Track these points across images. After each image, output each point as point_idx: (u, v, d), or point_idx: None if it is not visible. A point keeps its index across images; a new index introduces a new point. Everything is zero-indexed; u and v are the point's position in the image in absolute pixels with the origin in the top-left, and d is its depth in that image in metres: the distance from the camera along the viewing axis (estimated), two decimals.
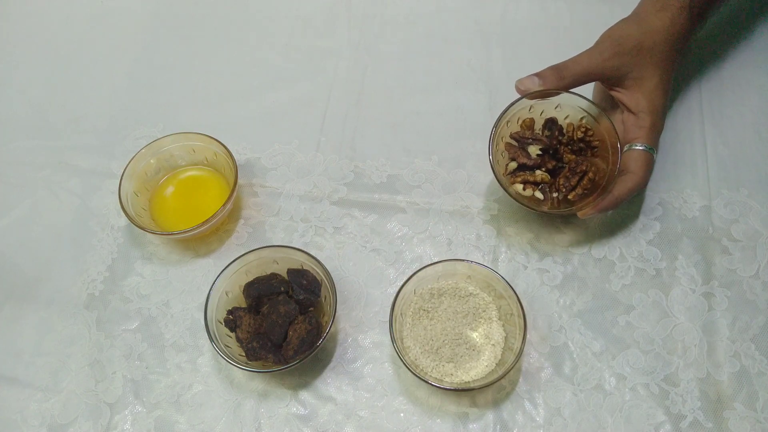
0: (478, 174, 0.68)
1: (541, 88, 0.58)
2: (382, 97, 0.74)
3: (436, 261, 0.58)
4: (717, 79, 0.71)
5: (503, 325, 0.58)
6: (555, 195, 0.60)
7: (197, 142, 0.67)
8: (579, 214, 0.58)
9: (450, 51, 0.76)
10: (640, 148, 0.58)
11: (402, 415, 0.57)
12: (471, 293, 0.60)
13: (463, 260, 0.59)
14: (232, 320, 0.58)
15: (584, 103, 0.60)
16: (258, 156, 0.71)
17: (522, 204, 0.59)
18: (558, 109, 0.61)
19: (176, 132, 0.66)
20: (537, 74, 0.58)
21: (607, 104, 0.62)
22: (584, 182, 0.59)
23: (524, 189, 0.59)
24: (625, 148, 0.58)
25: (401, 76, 0.75)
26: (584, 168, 0.59)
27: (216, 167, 0.68)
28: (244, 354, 0.57)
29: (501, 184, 0.58)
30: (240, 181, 0.66)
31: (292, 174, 0.70)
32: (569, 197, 0.59)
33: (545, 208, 0.59)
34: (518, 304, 0.55)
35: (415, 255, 0.64)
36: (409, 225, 0.66)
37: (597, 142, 0.60)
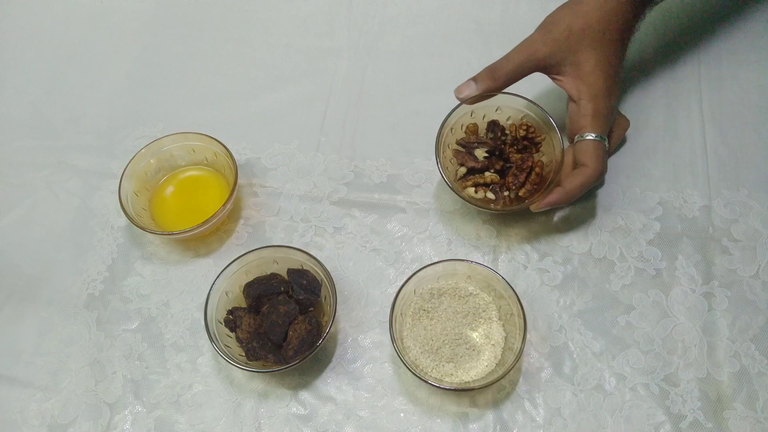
0: None
1: (478, 92, 0.58)
2: (382, 97, 0.74)
3: (436, 261, 0.58)
4: (717, 79, 0.71)
5: (503, 325, 0.58)
6: (506, 194, 0.61)
7: (197, 142, 0.67)
8: (531, 208, 0.59)
9: (450, 51, 0.76)
10: (589, 137, 0.57)
11: (402, 415, 0.57)
12: (471, 293, 0.60)
13: (463, 260, 0.59)
14: (232, 320, 0.58)
15: (522, 102, 0.61)
16: (258, 156, 0.71)
17: (476, 206, 0.60)
18: (499, 111, 0.63)
19: (176, 132, 0.66)
20: (473, 78, 0.58)
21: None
22: (532, 177, 0.60)
23: (476, 191, 0.60)
24: (575, 140, 0.58)
25: (401, 76, 0.75)
26: (530, 164, 0.60)
27: (216, 167, 0.68)
28: (244, 354, 0.57)
29: (453, 190, 0.59)
30: (240, 181, 0.66)
31: (292, 174, 0.70)
32: (520, 194, 0.60)
33: (499, 207, 0.60)
34: (518, 304, 0.55)
35: (415, 255, 0.64)
36: (409, 225, 0.66)
37: (540, 138, 0.61)
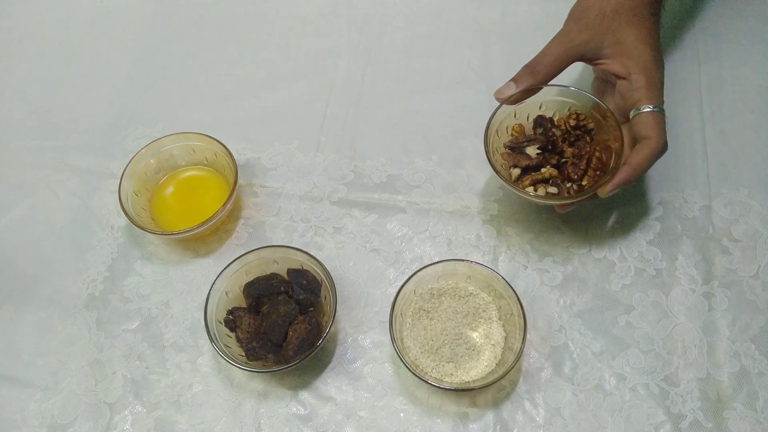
0: (477, 174, 0.68)
1: (520, 89, 0.57)
2: (382, 97, 0.74)
3: (436, 261, 0.58)
4: (717, 79, 0.71)
5: (503, 325, 0.58)
6: (569, 185, 0.58)
7: (197, 142, 0.67)
8: (599, 192, 0.56)
9: (450, 51, 0.76)
10: (646, 109, 0.55)
11: (402, 415, 0.57)
12: (471, 293, 0.60)
13: (463, 260, 0.59)
14: (232, 320, 0.58)
15: (564, 92, 0.59)
16: (258, 156, 0.71)
17: (542, 203, 0.58)
18: (543, 108, 0.61)
19: (176, 132, 0.66)
20: (512, 79, 0.57)
21: (607, 77, 0.60)
22: (593, 164, 0.57)
23: (536, 189, 0.58)
24: (632, 114, 0.56)
25: (401, 76, 0.75)
26: (588, 150, 0.58)
27: (216, 167, 0.68)
28: (244, 354, 0.57)
29: (516, 191, 0.57)
30: (240, 181, 0.66)
31: (292, 174, 0.70)
32: (583, 183, 0.57)
33: (566, 196, 0.57)
34: (518, 304, 0.55)
35: (415, 255, 0.64)
36: (409, 225, 0.66)
37: (592, 124, 0.59)
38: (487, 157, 0.58)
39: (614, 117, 0.56)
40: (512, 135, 0.62)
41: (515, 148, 0.60)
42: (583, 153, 0.58)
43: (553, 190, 0.58)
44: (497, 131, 0.61)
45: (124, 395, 0.60)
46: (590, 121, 0.59)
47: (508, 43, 0.76)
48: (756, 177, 0.65)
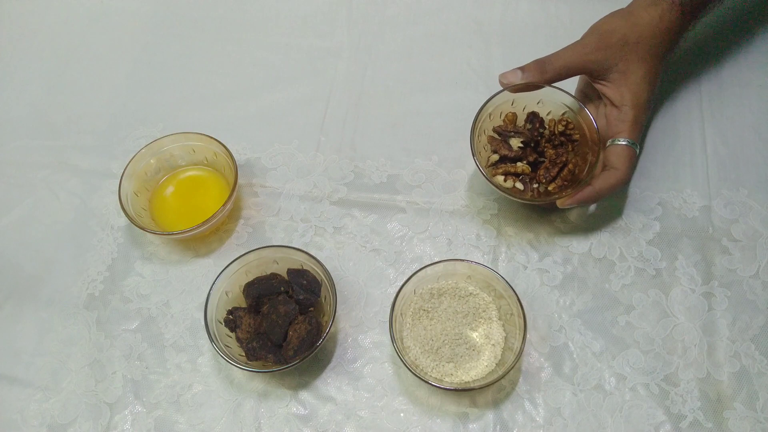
0: (478, 174, 0.68)
1: (524, 82, 0.58)
2: (382, 97, 0.74)
3: (436, 261, 0.58)
4: (717, 79, 0.71)
5: (503, 325, 0.58)
6: (536, 186, 0.61)
7: (197, 142, 0.67)
8: (558, 203, 0.58)
9: (450, 51, 0.76)
10: (623, 143, 0.58)
11: (402, 415, 0.57)
12: (471, 293, 0.60)
13: (463, 260, 0.59)
14: (232, 320, 0.58)
15: (566, 98, 0.61)
16: (258, 156, 0.71)
17: (504, 194, 0.60)
18: (540, 104, 0.63)
19: (176, 132, 0.67)
20: (520, 68, 0.59)
21: (593, 94, 0.63)
22: (564, 173, 0.59)
23: (505, 180, 0.60)
24: (608, 143, 0.59)
25: (401, 76, 0.75)
26: (564, 159, 0.60)
27: (216, 167, 0.68)
28: (244, 354, 0.57)
29: (483, 175, 0.59)
30: (240, 181, 0.66)
31: (292, 174, 0.70)
32: (549, 188, 0.60)
33: (527, 197, 0.60)
34: (518, 304, 0.55)
35: (415, 255, 0.64)
36: (409, 225, 0.66)
37: (578, 136, 0.61)
38: (471, 138, 0.59)
39: (599, 141, 0.58)
40: (503, 121, 0.63)
41: (501, 134, 0.62)
42: (559, 161, 0.60)
43: (519, 186, 0.60)
44: (490, 114, 0.62)
45: (124, 395, 0.60)
46: (577, 132, 0.61)
47: (508, 43, 0.76)
48: (756, 177, 0.65)
